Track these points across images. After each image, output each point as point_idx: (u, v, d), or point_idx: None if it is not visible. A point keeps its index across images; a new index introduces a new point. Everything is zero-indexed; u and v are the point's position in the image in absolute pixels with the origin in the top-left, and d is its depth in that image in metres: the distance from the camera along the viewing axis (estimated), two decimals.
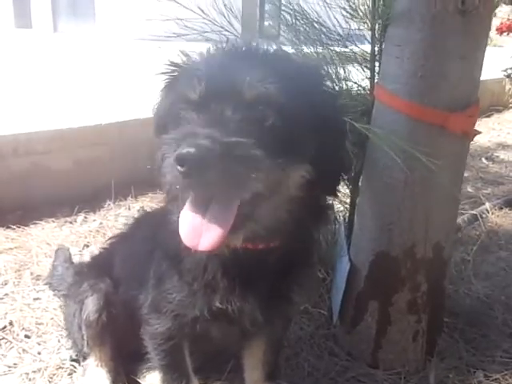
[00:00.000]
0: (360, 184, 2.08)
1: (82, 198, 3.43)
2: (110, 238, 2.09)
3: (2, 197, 3.17)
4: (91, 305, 1.78)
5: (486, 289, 2.57)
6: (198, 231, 1.17)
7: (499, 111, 7.64)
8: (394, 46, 1.73)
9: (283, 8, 2.19)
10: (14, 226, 3.10)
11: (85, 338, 1.80)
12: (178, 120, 1.26)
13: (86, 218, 3.34)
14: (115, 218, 3.35)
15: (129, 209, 3.49)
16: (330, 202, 1.60)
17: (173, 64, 1.40)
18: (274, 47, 1.37)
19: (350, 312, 2.05)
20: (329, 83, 1.58)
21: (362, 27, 2.06)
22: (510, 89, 7.92)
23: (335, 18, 2.15)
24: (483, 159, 5.20)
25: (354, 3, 1.98)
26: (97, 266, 1.95)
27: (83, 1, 16.56)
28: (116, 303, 1.79)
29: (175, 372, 1.60)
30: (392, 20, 1.74)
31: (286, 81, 1.21)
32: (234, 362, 1.91)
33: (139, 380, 1.85)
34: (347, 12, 2.02)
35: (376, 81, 1.94)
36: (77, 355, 1.99)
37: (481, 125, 6.85)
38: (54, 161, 3.40)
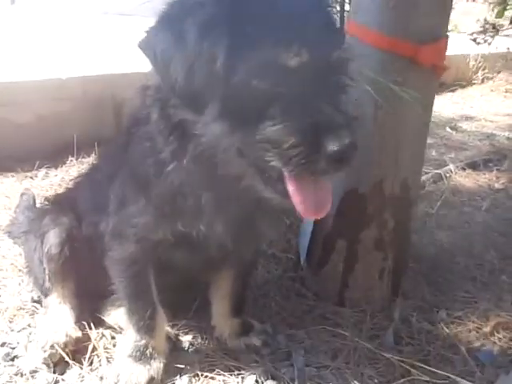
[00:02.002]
0: None
1: (44, 154, 3.31)
2: (74, 178, 2.02)
3: None
4: (53, 238, 1.72)
5: (450, 238, 2.63)
6: (323, 204, 1.20)
7: (463, 86, 7.79)
8: None
9: None
10: None
11: (46, 272, 1.74)
12: (260, 82, 1.08)
13: (47, 173, 3.24)
14: (78, 174, 3.25)
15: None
16: None
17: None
18: None
19: (317, 253, 2.06)
20: None
21: None
22: (473, 65, 8.08)
23: None
24: (447, 128, 5.29)
25: None
26: (60, 201, 1.89)
27: None
28: (79, 238, 1.74)
29: (140, 300, 1.57)
30: None
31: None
32: (200, 299, 1.89)
33: (104, 318, 1.81)
34: None
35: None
36: (39, 297, 1.93)
37: (445, 99, 6.99)
38: (15, 114, 3.27)
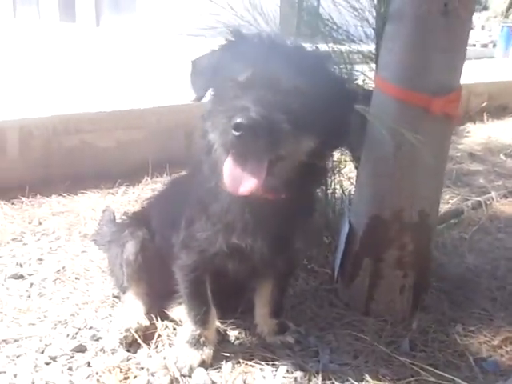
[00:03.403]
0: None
1: (123, 174, 3.87)
2: (147, 199, 2.50)
3: (55, 169, 3.65)
4: (130, 248, 2.19)
5: (478, 261, 2.87)
6: (239, 180, 1.57)
7: None
8: (388, 40, 2.07)
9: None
10: (65, 194, 3.58)
11: (125, 274, 2.21)
12: (225, 92, 1.63)
13: (126, 190, 3.78)
14: (152, 192, 3.77)
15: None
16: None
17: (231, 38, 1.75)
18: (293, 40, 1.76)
19: (348, 269, 2.39)
20: (337, 70, 1.93)
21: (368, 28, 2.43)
22: None
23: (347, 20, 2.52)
24: (501, 155, 5.38)
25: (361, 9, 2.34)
26: (136, 218, 2.36)
27: None
28: (150, 248, 2.20)
29: (198, 299, 1.98)
30: (388, 19, 2.07)
31: (308, 75, 1.60)
32: (246, 303, 2.28)
33: (168, 312, 2.24)
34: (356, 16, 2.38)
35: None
36: (118, 293, 2.40)
37: (506, 124, 7.02)
38: (100, 140, 3.85)
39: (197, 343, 1.97)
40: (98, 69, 7.31)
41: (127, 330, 2.03)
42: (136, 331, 2.05)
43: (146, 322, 2.13)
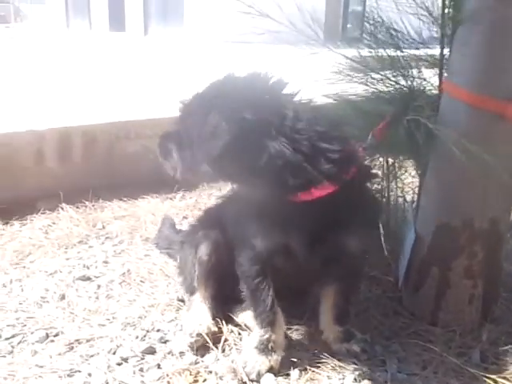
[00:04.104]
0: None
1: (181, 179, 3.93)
2: (219, 197, 2.56)
3: (117, 173, 3.76)
4: (204, 249, 2.25)
5: None
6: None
7: None
8: (461, 45, 2.03)
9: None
10: (125, 199, 3.67)
11: (196, 273, 2.26)
12: None
13: (183, 195, 3.85)
14: (208, 197, 3.83)
15: (220, 190, 3.95)
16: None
17: None
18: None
19: (413, 277, 2.35)
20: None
21: (433, 31, 2.38)
22: None
23: (410, 24, 2.47)
24: None
25: (428, 10, 2.30)
26: (208, 218, 2.43)
27: (173, 6, 17.62)
28: (221, 250, 2.24)
29: (260, 297, 1.98)
30: (461, 23, 2.03)
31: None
32: (310, 311, 2.28)
33: (233, 317, 2.27)
34: (420, 18, 2.34)
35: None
36: (182, 296, 2.43)
37: None
38: None
39: (265, 349, 1.98)
40: (149, 75, 7.48)
41: (199, 335, 2.07)
42: (207, 335, 2.08)
43: (215, 328, 2.17)
